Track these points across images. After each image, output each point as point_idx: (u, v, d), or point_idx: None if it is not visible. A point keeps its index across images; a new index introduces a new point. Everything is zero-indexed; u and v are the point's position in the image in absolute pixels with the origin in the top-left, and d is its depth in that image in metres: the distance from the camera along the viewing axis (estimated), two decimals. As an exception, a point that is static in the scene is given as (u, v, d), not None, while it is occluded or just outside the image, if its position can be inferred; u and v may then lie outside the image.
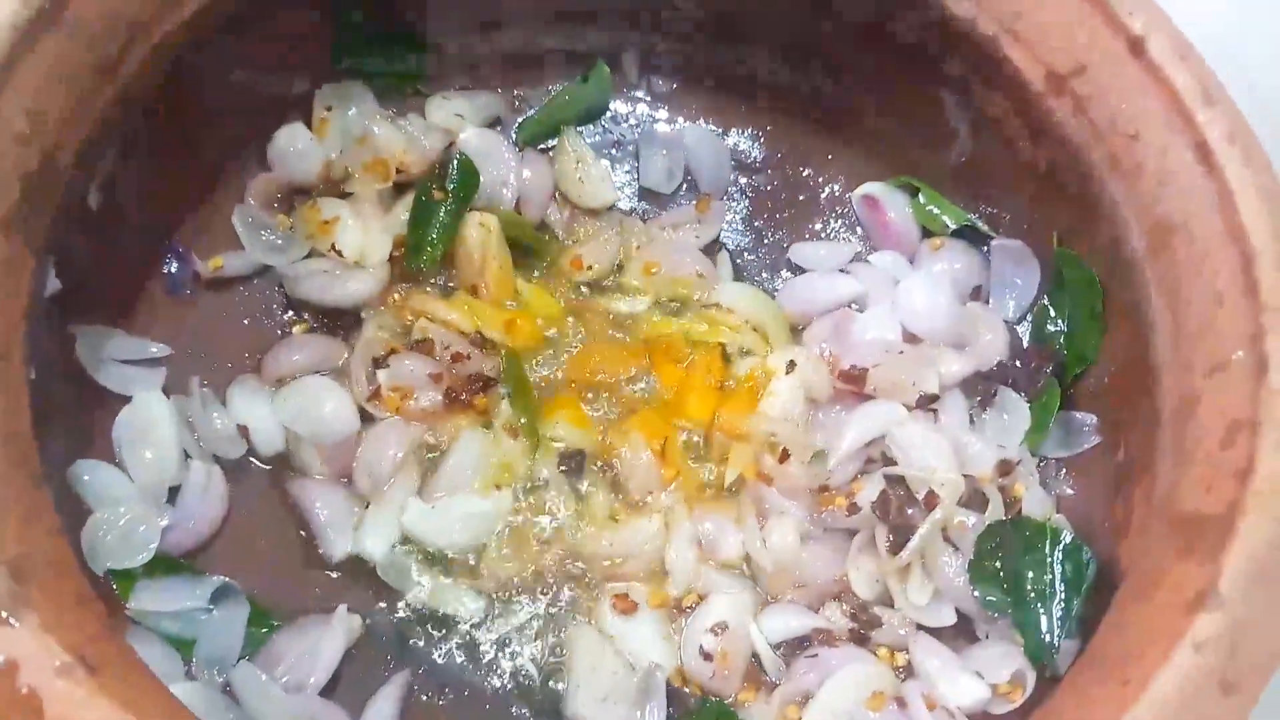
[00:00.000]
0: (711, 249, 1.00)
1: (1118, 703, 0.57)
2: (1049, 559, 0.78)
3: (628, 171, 1.03)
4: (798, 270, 0.99)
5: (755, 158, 1.04)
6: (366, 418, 0.89)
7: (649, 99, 1.05)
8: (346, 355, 0.91)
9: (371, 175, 0.95)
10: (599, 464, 0.90)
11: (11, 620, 0.54)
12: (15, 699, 0.53)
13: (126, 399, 0.84)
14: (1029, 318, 0.93)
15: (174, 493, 0.83)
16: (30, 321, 0.70)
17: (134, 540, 0.78)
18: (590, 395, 0.92)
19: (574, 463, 0.89)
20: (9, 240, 0.68)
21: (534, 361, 0.93)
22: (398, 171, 0.95)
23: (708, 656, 0.81)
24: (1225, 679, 0.57)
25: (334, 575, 0.85)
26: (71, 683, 0.53)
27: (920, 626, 0.83)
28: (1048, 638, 0.77)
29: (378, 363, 0.89)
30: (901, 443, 0.85)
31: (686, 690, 0.83)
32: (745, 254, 1.01)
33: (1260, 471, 0.61)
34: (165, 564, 0.79)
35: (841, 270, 0.97)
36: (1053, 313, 0.90)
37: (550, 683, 0.83)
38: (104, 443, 0.83)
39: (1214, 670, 0.57)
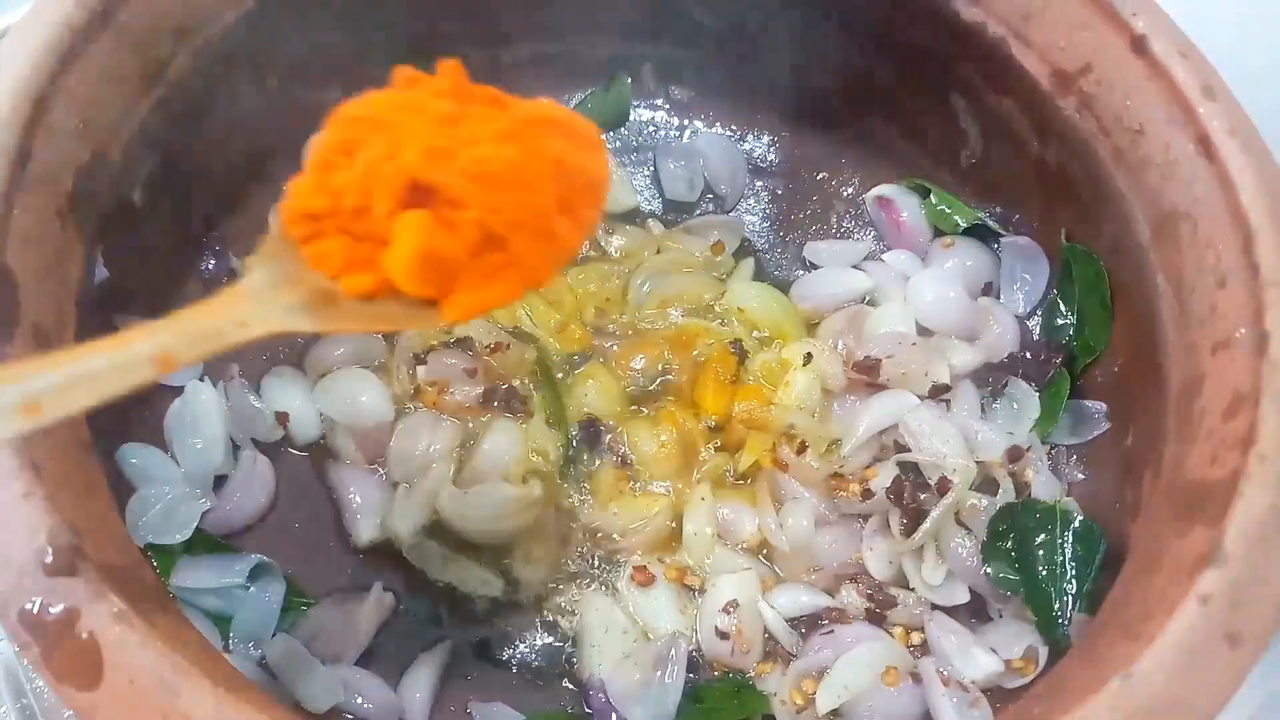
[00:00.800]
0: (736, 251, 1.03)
1: (1125, 657, 0.59)
2: (1060, 540, 0.80)
3: (647, 175, 1.06)
4: (813, 268, 1.02)
5: (772, 162, 1.07)
6: (401, 408, 0.91)
7: (668, 107, 1.08)
8: (387, 353, 0.94)
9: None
10: (616, 445, 0.91)
11: (71, 572, 0.56)
12: (76, 645, 0.55)
13: (164, 388, 0.87)
14: (1039, 312, 0.95)
15: (219, 483, 0.86)
16: (80, 307, 0.73)
17: (176, 518, 0.80)
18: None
19: (590, 431, 0.91)
20: (63, 228, 0.71)
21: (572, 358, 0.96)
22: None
23: (724, 635, 0.83)
24: (1231, 631, 0.58)
25: (364, 557, 0.87)
26: (127, 628, 0.55)
27: (935, 606, 0.85)
28: (1059, 615, 0.79)
29: (418, 359, 0.92)
30: (914, 430, 0.86)
31: (712, 670, 0.84)
32: (763, 255, 1.04)
33: (1262, 437, 0.63)
34: (205, 543, 0.82)
35: (855, 267, 0.99)
36: (1062, 306, 0.92)
37: (572, 656, 0.85)
38: (144, 429, 0.85)
39: (1219, 623, 0.59)
